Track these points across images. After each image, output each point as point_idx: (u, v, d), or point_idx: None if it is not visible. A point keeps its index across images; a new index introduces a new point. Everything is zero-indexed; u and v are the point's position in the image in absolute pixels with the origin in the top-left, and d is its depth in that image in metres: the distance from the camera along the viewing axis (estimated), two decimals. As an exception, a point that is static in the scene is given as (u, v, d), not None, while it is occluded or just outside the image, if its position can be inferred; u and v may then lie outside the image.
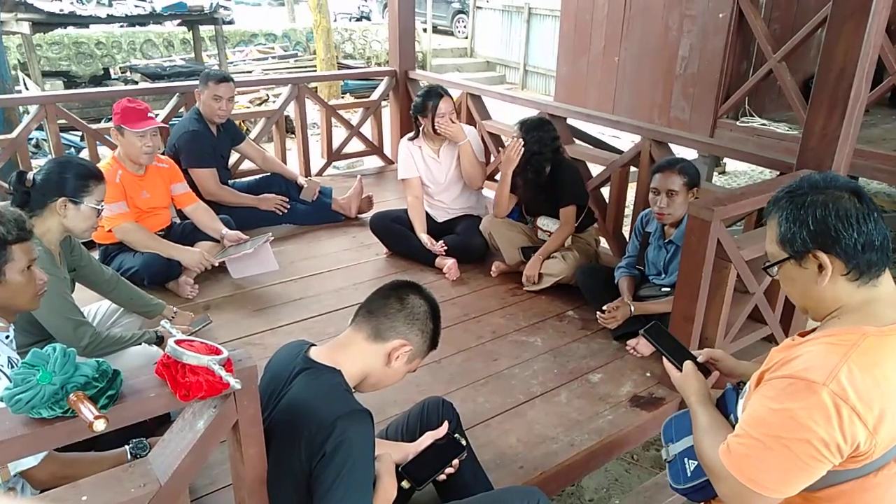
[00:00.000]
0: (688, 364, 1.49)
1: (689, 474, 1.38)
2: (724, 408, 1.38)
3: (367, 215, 3.92)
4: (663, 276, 2.80)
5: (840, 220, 1.14)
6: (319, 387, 1.43)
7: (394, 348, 1.50)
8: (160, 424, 1.98)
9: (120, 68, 10.71)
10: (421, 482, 1.63)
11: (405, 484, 1.61)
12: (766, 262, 1.28)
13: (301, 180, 4.09)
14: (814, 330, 1.23)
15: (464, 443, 1.75)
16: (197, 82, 3.70)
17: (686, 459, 1.40)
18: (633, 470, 2.74)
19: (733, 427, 1.25)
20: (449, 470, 1.69)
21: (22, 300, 1.68)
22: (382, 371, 1.53)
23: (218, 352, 1.20)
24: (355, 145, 5.18)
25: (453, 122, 3.44)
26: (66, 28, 9.55)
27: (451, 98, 3.51)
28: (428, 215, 3.65)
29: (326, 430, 1.32)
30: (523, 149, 3.16)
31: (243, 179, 4.19)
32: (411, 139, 3.61)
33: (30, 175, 2.21)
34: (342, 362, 1.48)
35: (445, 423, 1.78)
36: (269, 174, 4.12)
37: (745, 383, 1.36)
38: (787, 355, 1.16)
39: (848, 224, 1.14)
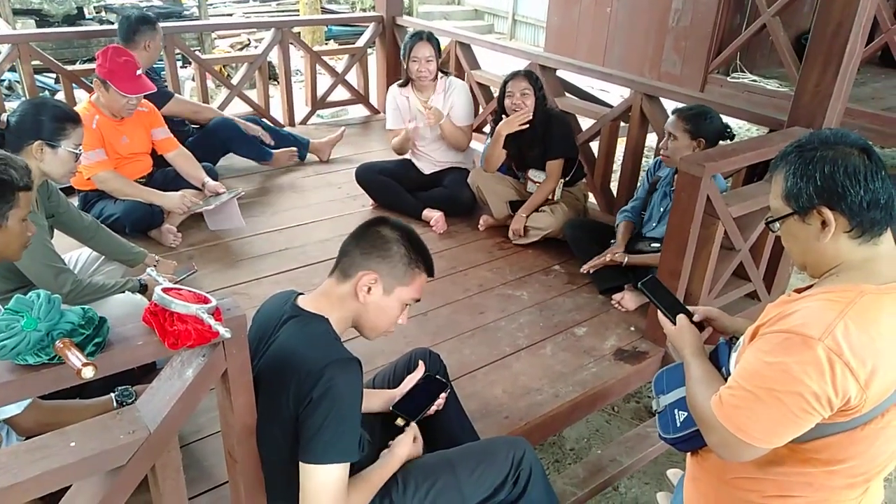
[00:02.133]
0: (682, 318, 1.50)
1: (678, 425, 1.41)
2: (717, 361, 1.40)
3: (353, 166, 3.86)
4: (654, 225, 2.80)
5: (848, 177, 1.14)
6: (308, 334, 1.42)
7: (357, 280, 1.45)
8: (146, 373, 1.97)
9: (94, 8, 10.28)
10: (414, 416, 1.66)
11: (399, 421, 1.64)
12: (768, 216, 1.28)
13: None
14: (810, 286, 1.24)
15: (444, 381, 1.80)
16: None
17: (676, 410, 1.42)
18: (613, 421, 2.80)
19: (726, 380, 1.27)
20: (439, 401, 1.72)
21: (12, 249, 1.67)
22: (363, 309, 1.48)
23: (206, 300, 1.18)
24: (340, 93, 5.05)
25: (425, 74, 3.30)
26: (36, -37, 9.12)
27: (434, 46, 3.36)
28: (414, 167, 3.60)
29: (314, 376, 1.31)
30: (535, 101, 3.08)
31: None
32: (401, 86, 3.53)
33: (3, 116, 2.13)
34: (327, 310, 1.47)
35: (421, 364, 1.81)
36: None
37: (737, 338, 1.38)
38: (784, 311, 1.17)
39: (856, 181, 1.13)
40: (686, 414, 1.38)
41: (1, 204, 1.57)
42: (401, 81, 3.54)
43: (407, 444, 1.58)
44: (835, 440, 1.16)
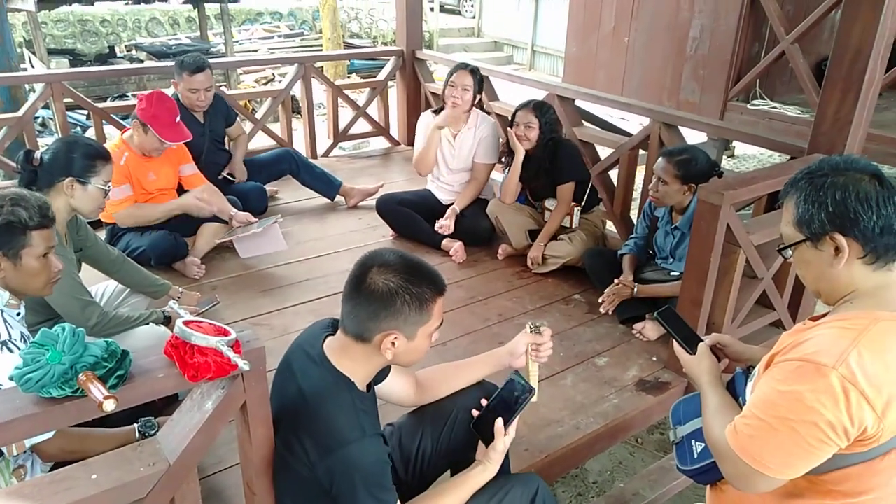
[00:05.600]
0: (701, 346, 1.49)
1: (695, 456, 1.38)
2: (734, 391, 1.38)
3: (374, 197, 3.90)
4: (671, 260, 2.79)
5: (860, 203, 1.13)
6: (333, 403, 1.37)
7: (380, 343, 1.38)
8: (168, 404, 1.99)
9: (125, 46, 10.68)
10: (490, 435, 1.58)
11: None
12: (780, 244, 1.27)
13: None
14: (825, 314, 1.22)
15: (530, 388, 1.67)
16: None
17: (693, 441, 1.40)
18: (637, 453, 2.75)
19: None
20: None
21: (34, 286, 1.69)
22: (392, 360, 1.44)
23: (226, 333, 1.19)
24: (362, 126, 5.14)
25: (459, 101, 3.35)
26: (71, 5, 9.49)
27: (475, 79, 3.39)
28: (434, 197, 3.64)
29: (335, 456, 1.31)
30: (539, 133, 3.14)
31: (256, 157, 4.12)
32: (434, 112, 3.57)
33: (37, 154, 2.21)
34: (349, 368, 1.42)
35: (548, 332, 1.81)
36: (282, 152, 4.10)
37: (754, 367, 1.36)
38: (798, 339, 1.15)
39: (867, 207, 1.13)
40: (703, 445, 1.36)
41: (12, 243, 1.59)
42: (435, 108, 3.60)
43: (499, 461, 1.54)
44: (854, 471, 1.14)
